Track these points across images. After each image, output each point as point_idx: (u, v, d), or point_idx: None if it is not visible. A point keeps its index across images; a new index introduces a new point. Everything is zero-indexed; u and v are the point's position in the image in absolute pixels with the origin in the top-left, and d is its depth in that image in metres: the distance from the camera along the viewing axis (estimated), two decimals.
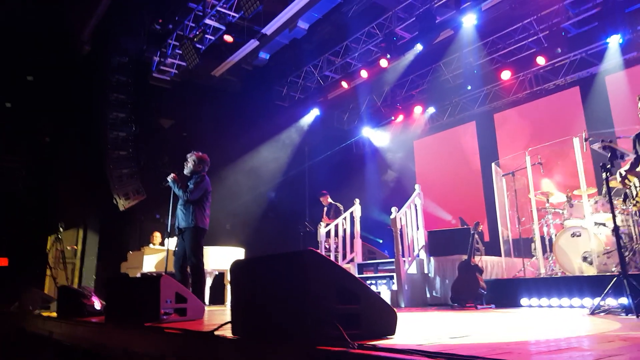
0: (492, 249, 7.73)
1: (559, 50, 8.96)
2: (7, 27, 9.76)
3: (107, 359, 3.67)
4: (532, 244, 6.58)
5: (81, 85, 10.54)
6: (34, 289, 7.51)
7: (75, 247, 10.33)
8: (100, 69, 10.29)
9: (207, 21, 9.30)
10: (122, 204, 9.76)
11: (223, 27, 9.38)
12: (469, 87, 11.23)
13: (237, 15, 9.13)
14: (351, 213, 7.92)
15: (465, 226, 8.53)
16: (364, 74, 10.96)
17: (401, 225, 6.50)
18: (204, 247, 5.59)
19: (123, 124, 10.18)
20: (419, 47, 9.83)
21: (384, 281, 6.52)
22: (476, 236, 5.85)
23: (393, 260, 6.37)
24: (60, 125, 10.69)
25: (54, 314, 5.52)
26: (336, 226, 8.00)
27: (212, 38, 9.69)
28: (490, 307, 5.27)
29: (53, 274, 8.95)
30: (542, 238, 6.57)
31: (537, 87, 10.61)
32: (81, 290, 5.13)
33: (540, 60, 9.42)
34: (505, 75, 10.18)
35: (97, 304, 4.95)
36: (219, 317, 4.22)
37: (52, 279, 8.82)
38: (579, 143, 5.84)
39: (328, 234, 8.05)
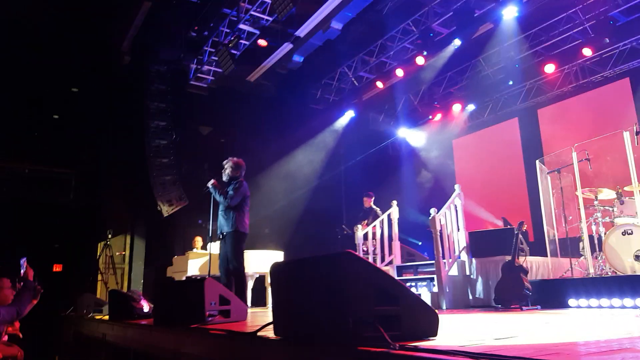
0: (537, 249, 7.51)
1: (607, 40, 8.58)
2: (51, 42, 10.21)
3: (157, 359, 3.80)
4: (580, 243, 6.35)
5: (123, 95, 10.94)
6: (87, 293, 7.86)
7: (123, 252, 10.71)
8: (140, 78, 10.64)
9: (242, 26, 9.42)
10: (166, 210, 10.05)
11: (257, 32, 9.49)
12: (511, 82, 10.87)
13: (270, 19, 9.21)
14: (389, 215, 7.86)
15: (509, 226, 8.31)
16: (399, 72, 10.84)
17: (441, 227, 6.40)
18: (245, 251, 5.69)
19: (164, 132, 10.48)
20: (457, 43, 9.60)
21: (424, 283, 6.44)
22: (520, 236, 5.69)
23: (433, 262, 6.28)
24: (104, 135, 11.12)
25: (107, 317, 5.74)
26: (374, 229, 7.95)
27: (247, 43, 9.82)
28: (536, 308, 5.12)
29: (104, 279, 9.32)
30: (591, 237, 6.31)
31: (584, 80, 10.17)
32: (130, 294, 5.32)
33: (587, 52, 9.04)
34: (549, 68, 9.82)
35: (146, 307, 5.12)
36: (261, 319, 4.29)
37: (104, 284, 9.20)
38: (630, 137, 5.60)
39: (365, 236, 8.01)
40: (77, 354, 6.85)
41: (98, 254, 9.91)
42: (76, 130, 10.91)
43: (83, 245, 10.79)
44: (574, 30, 9.24)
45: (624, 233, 5.67)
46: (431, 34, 9.46)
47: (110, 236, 9.50)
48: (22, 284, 4.18)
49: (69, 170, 11.09)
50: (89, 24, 10.27)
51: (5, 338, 4.66)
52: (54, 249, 10.92)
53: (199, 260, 8.13)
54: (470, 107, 11.96)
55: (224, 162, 5.83)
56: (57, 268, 10.81)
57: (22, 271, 4.17)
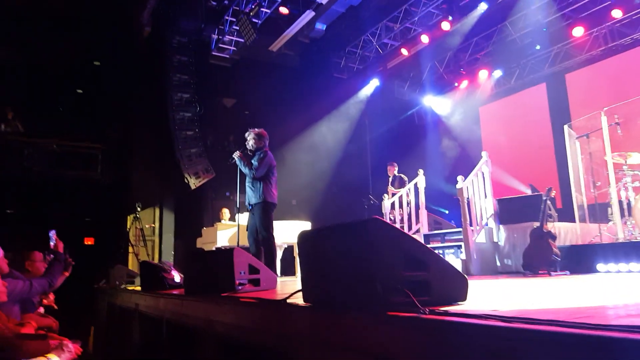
0: (566, 215, 7.38)
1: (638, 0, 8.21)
2: (71, 15, 10.25)
3: (189, 328, 3.92)
4: (609, 209, 6.21)
5: (145, 68, 10.98)
6: (119, 265, 8.08)
7: (153, 225, 10.97)
8: (161, 50, 10.64)
9: None
10: (193, 182, 10.20)
11: None
12: (538, 47, 10.56)
13: None
14: (415, 184, 7.82)
15: (537, 193, 8.18)
16: (424, 39, 10.60)
17: (468, 194, 6.35)
18: (273, 221, 5.74)
19: (188, 104, 10.53)
20: (483, 7, 9.34)
21: (452, 251, 6.43)
22: (548, 202, 5.60)
23: (460, 229, 6.25)
24: (129, 109, 11.24)
25: (139, 288, 5.90)
26: (400, 197, 7.93)
27: (268, 11, 9.70)
28: (565, 274, 5.08)
29: (135, 251, 9.57)
30: (620, 202, 6.17)
31: (613, 43, 9.80)
32: (161, 265, 5.44)
33: (617, 13, 8.69)
34: (578, 31, 9.49)
35: (177, 277, 5.24)
36: (290, 287, 4.36)
37: (135, 256, 9.45)
38: None
39: (393, 205, 8.01)
40: (111, 324, 7.08)
41: (128, 226, 10.16)
42: (100, 105, 11.05)
43: (113, 219, 11.08)
44: None
45: None
46: None
47: (139, 209, 9.71)
48: (52, 256, 4.29)
49: (96, 145, 11.31)
50: None
51: (41, 310, 4.84)
52: (85, 223, 11.25)
53: (227, 232, 8.26)
54: (497, 73, 11.67)
55: (246, 134, 5.82)
56: (88, 241, 11.17)
57: (51, 243, 4.28)
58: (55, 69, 10.61)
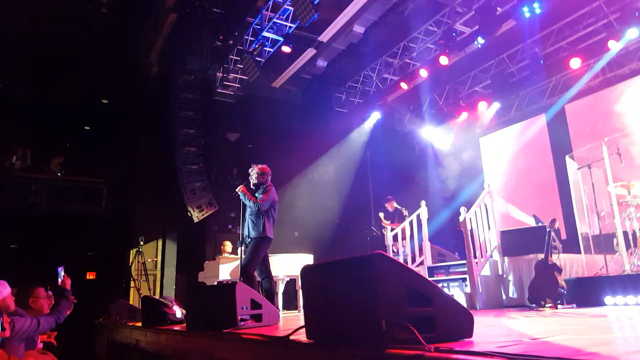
0: (570, 246, 7.32)
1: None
2: (82, 56, 10.53)
3: None
4: (614, 239, 6.16)
5: (151, 105, 11.19)
6: (120, 300, 8.00)
7: (155, 259, 10.92)
8: (168, 88, 10.88)
9: (265, 34, 9.55)
10: (196, 215, 10.21)
11: (281, 39, 9.60)
12: (536, 82, 10.69)
13: (293, 26, 9.31)
14: (418, 215, 7.80)
15: (540, 224, 8.15)
16: (423, 73, 10.78)
17: (471, 226, 6.33)
18: (274, 254, 5.70)
19: (193, 139, 10.68)
20: (480, 41, 9.51)
21: (456, 284, 6.36)
22: (552, 234, 5.57)
23: (465, 262, 6.20)
24: (134, 145, 11.39)
25: (139, 324, 5.83)
26: (403, 229, 7.90)
27: (271, 50, 9.94)
28: (572, 307, 5.01)
29: (136, 286, 9.50)
30: (625, 233, 6.13)
31: (611, 74, 9.94)
32: (162, 300, 5.39)
33: (613, 45, 8.84)
34: (575, 63, 9.63)
35: (179, 312, 5.18)
36: (293, 322, 4.31)
37: (136, 290, 9.37)
38: None
39: (395, 237, 7.97)
40: None
41: (130, 261, 10.12)
42: (106, 141, 11.21)
43: (115, 253, 11.06)
44: (599, 24, 9.05)
45: None
46: (454, 34, 9.41)
47: (142, 243, 9.69)
48: (54, 292, 4.25)
49: (101, 180, 11.40)
50: (118, 38, 10.57)
51: (41, 346, 4.77)
52: (88, 257, 11.22)
53: (230, 265, 8.21)
54: (496, 105, 11.80)
55: (250, 169, 5.86)
56: (90, 276, 11.11)
57: (59, 280, 4.26)
58: (65, 106, 10.84)
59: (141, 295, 7.94)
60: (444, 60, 9.97)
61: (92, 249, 11.30)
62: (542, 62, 10.18)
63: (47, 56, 10.42)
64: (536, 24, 9.14)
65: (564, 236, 9.39)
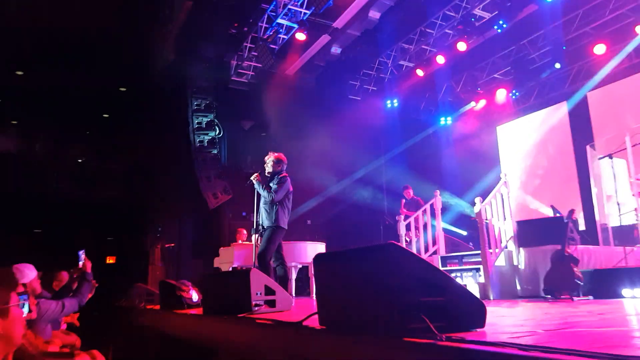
0: (589, 237, 7.24)
1: None
2: (100, 46, 10.63)
3: (206, 347, 3.93)
4: (635, 231, 6.07)
5: (168, 92, 11.28)
6: (139, 284, 8.14)
7: (172, 244, 11.08)
8: (183, 76, 10.93)
9: (280, 20, 9.49)
10: (212, 202, 10.31)
11: (295, 25, 9.53)
12: (558, 65, 10.42)
13: (308, 12, 9.22)
14: (432, 205, 7.75)
15: (558, 215, 8.04)
16: (440, 59, 10.61)
17: (486, 216, 6.27)
18: (288, 242, 5.71)
19: (208, 127, 10.76)
20: (500, 26, 9.30)
21: (470, 274, 6.32)
22: (570, 224, 5.50)
23: (479, 252, 6.16)
24: (152, 131, 11.50)
25: (157, 307, 5.94)
26: (416, 219, 7.86)
27: (285, 37, 9.89)
28: (588, 299, 4.95)
29: (154, 270, 9.66)
30: None
31: (637, 60, 9.65)
32: (180, 284, 5.47)
33: None
34: (600, 49, 9.36)
35: (195, 296, 5.26)
36: (305, 308, 4.35)
37: (154, 274, 9.53)
38: None
39: (408, 226, 7.94)
40: (129, 343, 7.10)
41: (148, 245, 10.28)
42: (125, 128, 11.35)
43: (134, 238, 11.26)
44: (626, 8, 8.75)
45: None
46: (473, 19, 9.21)
47: (160, 229, 9.83)
48: (77, 275, 4.35)
49: (120, 166, 11.58)
50: (135, 27, 10.62)
51: (64, 327, 4.90)
52: (107, 242, 11.44)
53: (244, 252, 8.29)
54: (515, 92, 11.58)
55: (266, 157, 5.85)
56: (110, 260, 11.33)
57: (80, 263, 4.35)
58: (84, 94, 10.99)
59: (159, 280, 8.06)
60: (462, 46, 9.81)
61: (111, 234, 11.52)
62: (564, 48, 9.94)
63: (66, 46, 10.54)
64: (558, 8, 8.88)
65: (582, 227, 9.26)
